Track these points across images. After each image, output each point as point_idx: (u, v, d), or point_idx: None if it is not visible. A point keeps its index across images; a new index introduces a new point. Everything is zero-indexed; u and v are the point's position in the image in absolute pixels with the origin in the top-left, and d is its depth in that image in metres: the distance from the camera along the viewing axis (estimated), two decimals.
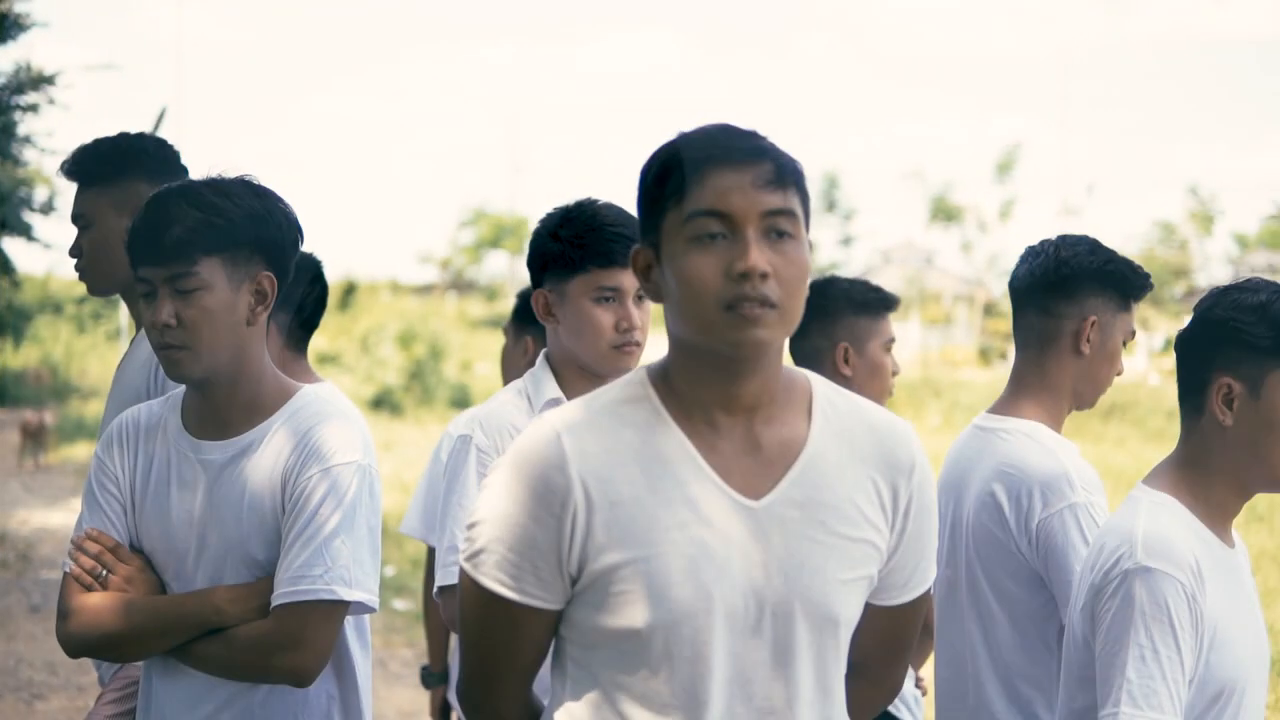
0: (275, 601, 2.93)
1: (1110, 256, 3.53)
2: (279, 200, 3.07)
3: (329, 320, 30.28)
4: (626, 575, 2.20)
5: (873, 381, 4.19)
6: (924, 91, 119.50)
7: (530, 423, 2.35)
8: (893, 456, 2.35)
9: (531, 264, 3.46)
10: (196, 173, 3.20)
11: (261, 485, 3.00)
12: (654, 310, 3.18)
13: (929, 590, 2.47)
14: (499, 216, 66.67)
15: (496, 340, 6.15)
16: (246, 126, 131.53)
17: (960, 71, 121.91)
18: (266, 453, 3.00)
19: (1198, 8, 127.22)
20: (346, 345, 32.16)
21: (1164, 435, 23.27)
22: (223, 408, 3.04)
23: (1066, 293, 3.50)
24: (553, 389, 3.38)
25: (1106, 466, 17.85)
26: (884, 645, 2.48)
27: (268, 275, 3.02)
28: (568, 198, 3.50)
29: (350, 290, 42.67)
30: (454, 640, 5.06)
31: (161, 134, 4.12)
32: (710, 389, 2.26)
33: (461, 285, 67.76)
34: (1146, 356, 41.20)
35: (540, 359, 3.49)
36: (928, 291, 53.75)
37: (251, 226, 2.98)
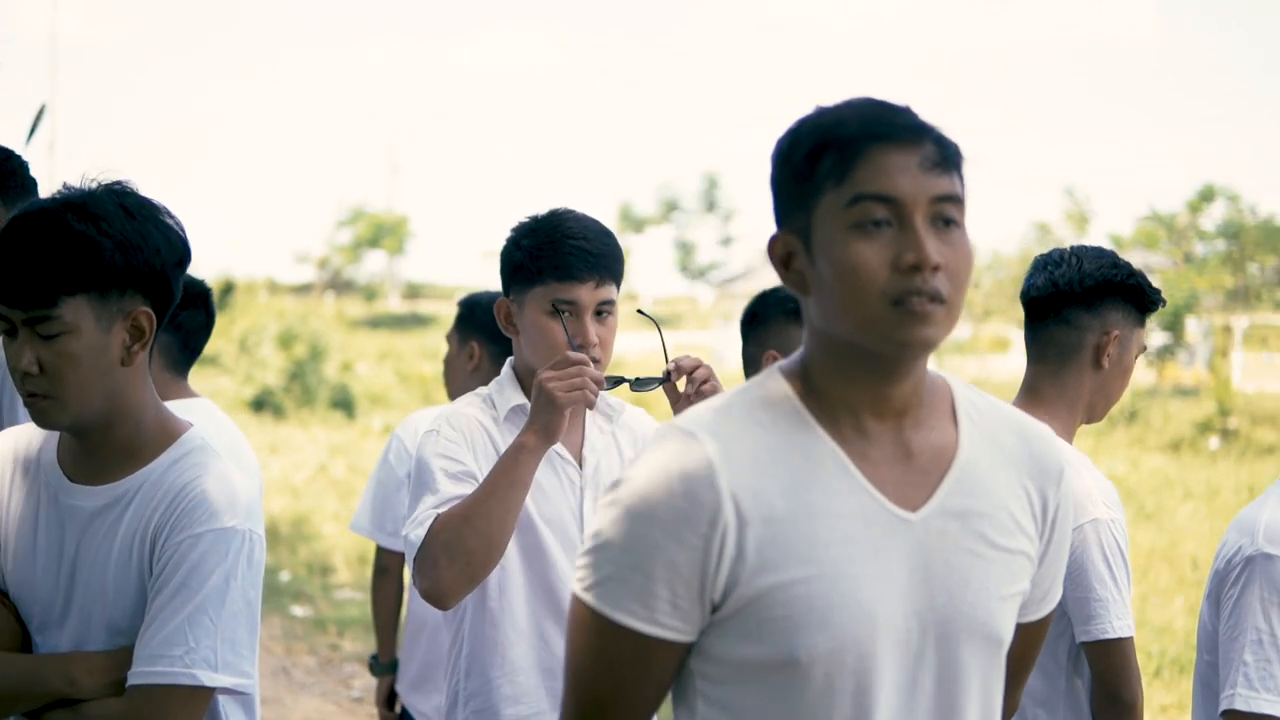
0: (129, 680, 2.59)
1: (1131, 270, 3.51)
2: (159, 218, 2.67)
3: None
4: (783, 600, 1.95)
5: None
6: (803, 91, 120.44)
7: (661, 431, 2.07)
8: (1042, 461, 2.17)
9: (501, 272, 3.39)
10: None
11: (130, 543, 2.64)
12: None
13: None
14: (377, 216, 66.34)
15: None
16: (123, 127, 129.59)
17: (837, 71, 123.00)
18: (139, 506, 2.65)
19: (1072, 9, 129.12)
20: (225, 346, 31.74)
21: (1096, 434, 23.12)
22: (97, 451, 2.70)
23: (1089, 305, 3.46)
24: (517, 396, 3.32)
25: None
26: (1010, 667, 2.23)
27: (145, 311, 2.64)
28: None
29: (228, 290, 42.16)
30: (401, 632, 5.22)
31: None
32: (861, 391, 2.03)
33: (339, 285, 67.32)
34: None
35: (506, 366, 3.42)
36: None
37: (123, 257, 2.59)
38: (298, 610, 10.93)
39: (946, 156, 1.99)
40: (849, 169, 1.96)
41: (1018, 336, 36.01)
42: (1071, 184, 62.22)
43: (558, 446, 3.25)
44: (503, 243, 3.41)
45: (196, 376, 4.22)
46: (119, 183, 2.68)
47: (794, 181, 2.04)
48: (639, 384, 3.30)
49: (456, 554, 3.00)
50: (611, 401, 3.39)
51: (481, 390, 3.38)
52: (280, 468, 17.68)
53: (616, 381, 3.25)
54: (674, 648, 2.01)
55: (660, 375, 3.27)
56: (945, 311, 1.96)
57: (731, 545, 1.95)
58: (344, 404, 27.48)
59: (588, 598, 2.00)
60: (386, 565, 5.21)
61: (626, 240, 68.61)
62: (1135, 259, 52.60)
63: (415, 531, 3.10)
